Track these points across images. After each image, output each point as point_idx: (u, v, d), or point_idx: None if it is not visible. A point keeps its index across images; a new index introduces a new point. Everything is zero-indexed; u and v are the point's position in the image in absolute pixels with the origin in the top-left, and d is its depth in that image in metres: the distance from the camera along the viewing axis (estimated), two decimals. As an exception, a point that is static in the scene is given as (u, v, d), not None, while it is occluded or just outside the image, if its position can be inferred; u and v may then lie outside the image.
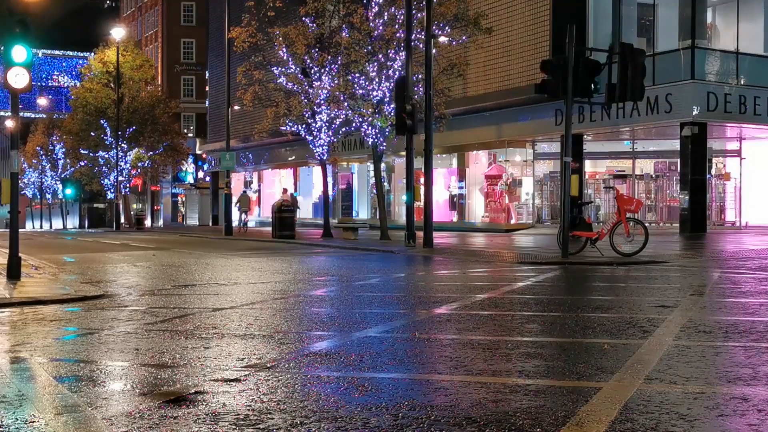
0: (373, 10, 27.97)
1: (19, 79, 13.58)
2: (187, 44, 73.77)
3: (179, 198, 74.40)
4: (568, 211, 16.74)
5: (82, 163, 62.40)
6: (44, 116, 76.74)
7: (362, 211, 49.77)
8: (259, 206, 59.83)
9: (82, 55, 77.93)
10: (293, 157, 52.56)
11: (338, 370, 6.04)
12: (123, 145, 57.65)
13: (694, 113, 30.03)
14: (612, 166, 36.88)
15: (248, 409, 4.83)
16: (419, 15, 26.48)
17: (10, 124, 16.65)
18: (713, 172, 33.67)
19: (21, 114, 19.00)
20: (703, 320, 8.22)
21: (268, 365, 6.27)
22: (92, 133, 58.55)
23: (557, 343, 7.26)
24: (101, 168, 60.65)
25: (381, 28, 27.94)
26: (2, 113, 75.01)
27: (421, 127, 23.67)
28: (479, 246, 25.13)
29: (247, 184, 62.36)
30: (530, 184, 38.41)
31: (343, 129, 32.68)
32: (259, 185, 61.23)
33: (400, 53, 27.02)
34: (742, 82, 31.13)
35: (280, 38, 30.17)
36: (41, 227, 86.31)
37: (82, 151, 61.04)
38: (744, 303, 9.75)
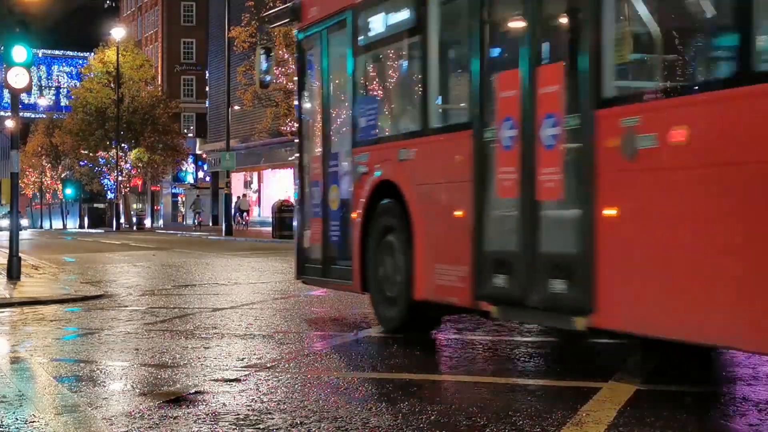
0: None
1: (19, 79, 13.56)
2: (187, 44, 73.75)
3: (179, 198, 74.39)
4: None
5: (83, 164, 62.43)
6: (44, 116, 76.73)
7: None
8: (259, 206, 59.81)
9: (82, 55, 77.89)
10: (293, 157, 52.53)
11: (338, 370, 6.04)
12: (123, 145, 57.69)
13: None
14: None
15: (248, 409, 4.83)
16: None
17: (10, 124, 16.64)
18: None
19: (21, 114, 19.03)
20: (703, 320, 8.21)
21: (268, 365, 6.27)
22: (93, 134, 58.56)
23: (557, 343, 7.26)
24: (101, 168, 60.68)
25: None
26: (2, 113, 75.05)
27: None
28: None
29: (247, 184, 62.37)
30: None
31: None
32: (259, 185, 61.22)
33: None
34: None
35: (281, 37, 30.19)
36: (41, 227, 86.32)
37: (82, 151, 61.04)
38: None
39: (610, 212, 5.16)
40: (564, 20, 5.82)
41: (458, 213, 6.59)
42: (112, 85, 58.27)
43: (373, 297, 7.89)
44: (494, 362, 6.43)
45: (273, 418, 4.60)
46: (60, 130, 66.62)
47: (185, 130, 71.05)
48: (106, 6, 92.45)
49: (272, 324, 8.75)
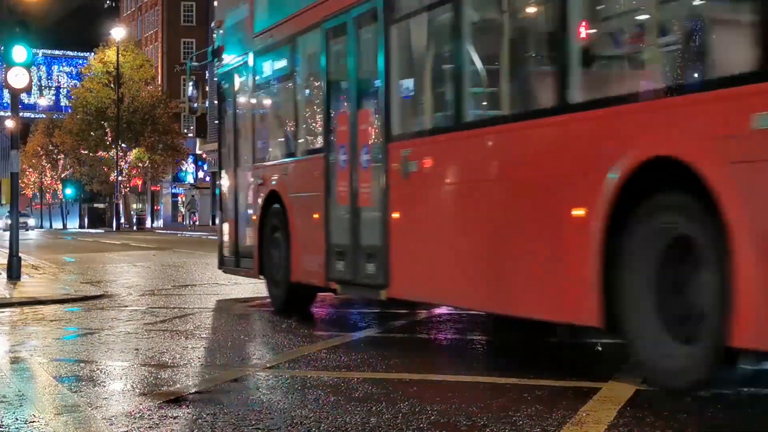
0: None
1: (19, 79, 13.57)
2: (187, 44, 73.71)
3: (179, 198, 74.38)
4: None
5: (85, 167, 62.51)
6: (44, 116, 76.74)
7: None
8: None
9: (82, 55, 77.86)
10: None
11: (339, 370, 6.04)
12: (123, 144, 57.71)
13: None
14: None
15: (248, 409, 4.83)
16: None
17: (10, 124, 16.68)
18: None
19: (21, 114, 19.03)
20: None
21: (269, 365, 6.27)
22: (92, 133, 58.58)
23: (557, 343, 7.26)
24: (101, 168, 60.65)
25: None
26: (2, 113, 75.02)
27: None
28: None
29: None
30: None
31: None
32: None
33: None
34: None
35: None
36: (41, 227, 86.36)
37: (82, 151, 61.04)
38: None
39: (396, 215, 7.26)
40: (371, 81, 7.89)
41: (316, 216, 8.61)
42: (112, 85, 58.27)
43: (267, 281, 9.92)
44: (494, 362, 6.43)
45: (273, 418, 4.60)
46: (60, 130, 66.65)
47: (185, 130, 71.03)
48: (106, 6, 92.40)
49: (273, 323, 8.75)
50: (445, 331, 7.91)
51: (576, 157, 5.47)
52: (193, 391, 5.39)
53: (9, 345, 7.63)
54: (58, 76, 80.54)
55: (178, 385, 5.60)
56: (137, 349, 7.13)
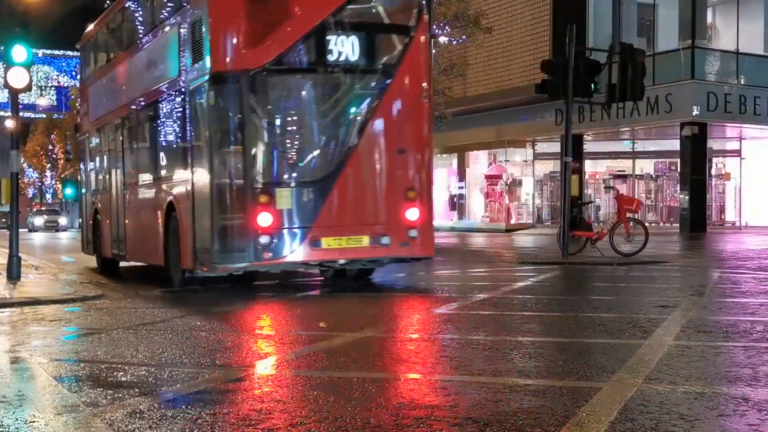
0: None
1: (19, 79, 13.57)
2: (187, 44, 73.58)
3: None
4: (568, 211, 16.71)
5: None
6: (44, 116, 76.72)
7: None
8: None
9: (82, 55, 77.70)
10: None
11: (339, 370, 6.05)
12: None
13: (694, 113, 29.99)
14: (612, 166, 36.85)
15: (248, 409, 4.83)
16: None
17: (10, 124, 16.68)
18: (713, 172, 33.62)
19: (21, 114, 19.11)
20: (703, 320, 8.22)
21: (269, 365, 6.27)
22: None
23: (557, 343, 7.27)
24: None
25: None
26: (2, 113, 74.94)
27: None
28: (479, 246, 25.12)
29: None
30: (530, 184, 38.35)
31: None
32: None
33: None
34: (742, 82, 31.09)
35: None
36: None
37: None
38: (744, 303, 9.75)
39: (126, 221, 15.36)
40: (119, 157, 16.02)
41: (108, 222, 16.47)
42: (112, 85, 58.12)
43: (96, 256, 17.73)
44: (494, 362, 6.43)
45: (273, 418, 4.60)
46: (60, 129, 66.52)
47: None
48: (105, 6, 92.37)
49: (273, 323, 8.75)
50: (445, 331, 7.92)
51: (160, 196, 13.20)
52: (193, 391, 5.39)
53: (9, 345, 7.63)
54: (58, 76, 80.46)
55: (178, 385, 5.60)
56: (137, 349, 7.13)
